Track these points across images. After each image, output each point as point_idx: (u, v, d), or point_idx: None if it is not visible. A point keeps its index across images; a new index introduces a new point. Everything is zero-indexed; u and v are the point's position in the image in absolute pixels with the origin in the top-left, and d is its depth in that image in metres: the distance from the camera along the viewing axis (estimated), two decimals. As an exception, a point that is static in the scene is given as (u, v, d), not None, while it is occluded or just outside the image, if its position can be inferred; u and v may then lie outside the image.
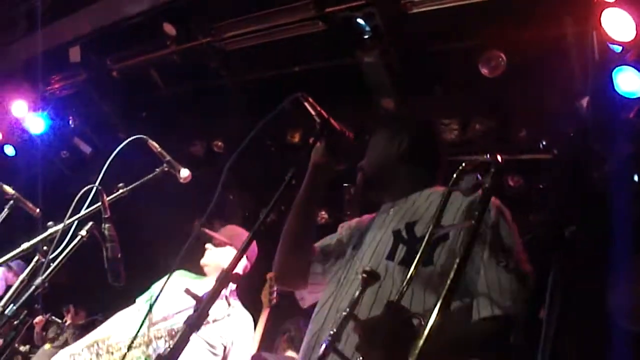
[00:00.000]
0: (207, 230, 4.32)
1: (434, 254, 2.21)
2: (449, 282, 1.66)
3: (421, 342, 1.52)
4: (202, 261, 4.34)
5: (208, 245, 4.36)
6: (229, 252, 4.28)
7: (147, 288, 4.21)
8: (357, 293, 1.96)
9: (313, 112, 2.49)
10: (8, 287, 6.08)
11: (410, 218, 2.40)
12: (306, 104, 2.49)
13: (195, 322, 1.78)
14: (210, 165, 7.92)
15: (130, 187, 3.62)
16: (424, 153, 2.60)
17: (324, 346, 1.89)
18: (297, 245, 2.66)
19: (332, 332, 1.90)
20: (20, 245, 3.18)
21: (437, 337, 1.72)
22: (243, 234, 4.40)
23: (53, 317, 8.12)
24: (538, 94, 5.43)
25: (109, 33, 6.57)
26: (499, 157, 1.98)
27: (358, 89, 5.82)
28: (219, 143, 7.83)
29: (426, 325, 1.56)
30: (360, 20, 5.52)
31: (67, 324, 8.36)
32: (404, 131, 2.64)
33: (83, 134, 8.45)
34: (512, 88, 5.51)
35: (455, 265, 1.70)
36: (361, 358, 1.79)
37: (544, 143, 5.89)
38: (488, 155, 1.97)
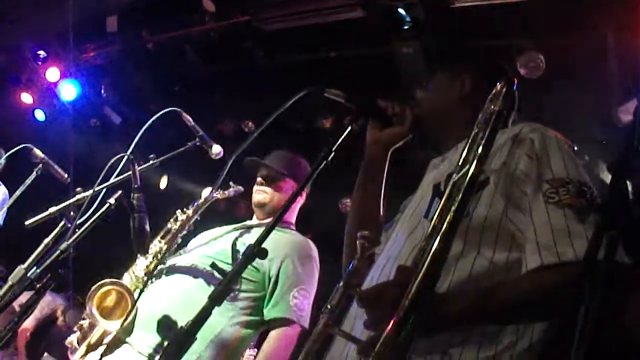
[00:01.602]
0: (258, 160, 3.99)
1: (470, 204, 1.74)
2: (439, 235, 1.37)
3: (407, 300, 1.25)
4: (258, 199, 3.90)
5: (261, 183, 3.94)
6: (291, 187, 3.90)
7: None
8: (355, 262, 1.84)
9: (341, 100, 2.44)
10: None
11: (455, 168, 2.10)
12: (328, 95, 2.43)
13: (218, 296, 1.74)
14: (238, 145, 7.92)
15: (161, 158, 3.60)
16: (484, 96, 2.01)
17: (322, 322, 1.74)
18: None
19: (329, 306, 1.76)
20: (48, 209, 3.19)
21: (479, 301, 1.63)
22: (302, 164, 4.04)
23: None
24: (574, 98, 5.36)
25: (147, 5, 6.56)
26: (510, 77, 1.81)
27: (392, 78, 5.77)
28: (249, 123, 7.82)
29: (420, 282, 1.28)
30: (401, 10, 5.46)
31: None
32: (466, 72, 2.38)
33: (114, 104, 8.48)
34: (549, 91, 5.43)
35: (451, 214, 1.42)
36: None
37: (575, 148, 5.83)
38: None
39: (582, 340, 1.04)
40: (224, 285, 1.73)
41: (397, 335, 1.18)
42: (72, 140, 8.53)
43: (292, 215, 3.94)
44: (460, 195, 1.46)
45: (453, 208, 1.43)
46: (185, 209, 3.85)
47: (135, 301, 3.12)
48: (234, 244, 3.57)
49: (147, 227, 2.88)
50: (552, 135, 1.94)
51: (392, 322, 1.21)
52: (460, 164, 1.64)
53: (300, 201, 3.96)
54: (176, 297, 3.30)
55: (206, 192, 3.94)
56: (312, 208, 4.20)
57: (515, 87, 1.81)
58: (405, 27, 5.55)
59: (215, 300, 1.71)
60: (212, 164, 3.73)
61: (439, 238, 1.36)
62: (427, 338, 1.62)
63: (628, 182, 1.23)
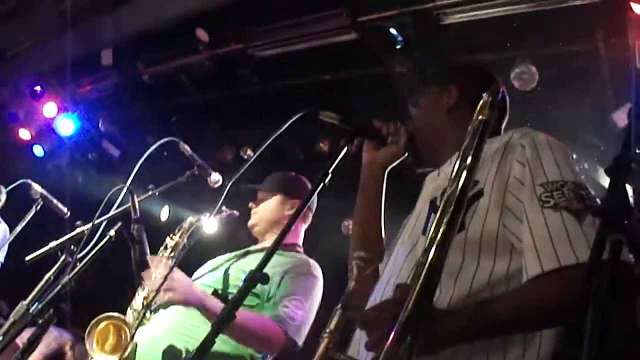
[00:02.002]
0: (249, 185, 4.03)
1: (466, 217, 1.82)
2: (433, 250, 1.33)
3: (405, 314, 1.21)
4: (250, 223, 3.95)
5: (252, 207, 4.00)
6: (279, 201, 3.92)
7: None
8: (352, 284, 1.82)
9: (336, 122, 2.44)
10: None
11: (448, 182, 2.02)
12: (323, 117, 2.44)
13: (221, 323, 1.73)
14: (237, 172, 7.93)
15: (161, 188, 3.60)
16: (474, 105, 1.89)
17: (322, 345, 1.70)
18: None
19: (328, 330, 1.72)
20: (48, 244, 3.18)
21: (480, 314, 1.60)
22: (291, 177, 4.09)
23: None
24: (569, 107, 5.37)
25: (141, 37, 6.58)
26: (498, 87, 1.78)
27: (388, 98, 5.79)
28: (248, 150, 7.83)
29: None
30: (392, 30, 5.49)
31: None
32: (452, 84, 2.35)
33: (112, 137, 8.49)
34: (544, 101, 5.44)
35: (443, 226, 1.38)
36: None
37: (574, 156, 5.84)
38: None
39: (591, 345, 1.03)
40: (226, 313, 1.73)
41: (395, 350, 1.16)
42: (71, 174, 8.56)
43: (297, 237, 3.91)
44: (452, 208, 1.42)
45: (445, 220, 1.39)
46: (172, 235, 3.83)
47: (134, 334, 3.13)
48: (226, 270, 3.57)
49: (148, 257, 2.88)
50: (542, 138, 1.92)
51: (390, 338, 1.19)
52: (452, 177, 1.57)
53: (304, 223, 3.94)
54: (176, 326, 3.28)
55: (191, 217, 3.93)
56: (314, 231, 4.18)
57: (501, 96, 1.78)
58: (398, 47, 5.57)
59: (218, 327, 1.71)
60: (213, 193, 3.72)
61: (433, 250, 1.33)
62: (431, 354, 1.58)
63: (627, 185, 1.22)
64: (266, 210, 3.88)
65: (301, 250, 3.87)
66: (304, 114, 2.33)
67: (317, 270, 3.64)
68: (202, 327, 3.11)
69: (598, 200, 1.74)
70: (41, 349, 7.61)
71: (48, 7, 6.79)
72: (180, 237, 3.80)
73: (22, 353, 2.44)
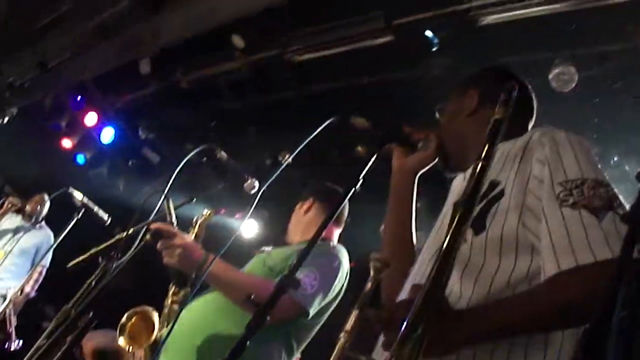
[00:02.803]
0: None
1: (487, 218, 1.81)
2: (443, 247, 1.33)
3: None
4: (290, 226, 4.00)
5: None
6: (309, 205, 3.97)
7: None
8: (369, 285, 1.79)
9: (366, 127, 2.46)
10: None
11: None
12: (354, 123, 2.46)
13: (254, 327, 1.73)
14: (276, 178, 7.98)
15: (197, 196, 3.64)
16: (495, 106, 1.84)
17: (339, 345, 1.70)
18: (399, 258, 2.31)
19: (345, 330, 1.71)
20: (89, 251, 3.24)
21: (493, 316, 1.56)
22: (323, 184, 4.14)
23: None
24: (610, 108, 5.30)
25: (179, 45, 6.65)
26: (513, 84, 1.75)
27: (425, 101, 5.77)
28: (286, 155, 7.86)
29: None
30: (428, 32, 5.47)
31: None
32: (473, 87, 2.35)
33: (151, 144, 8.59)
34: (582, 102, 5.38)
35: (454, 225, 1.38)
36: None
37: (615, 159, 5.77)
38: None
39: (618, 346, 1.01)
40: (259, 316, 1.73)
41: (402, 350, 1.16)
42: (112, 181, 8.70)
43: (329, 234, 3.85)
44: (463, 206, 1.42)
45: (456, 217, 1.39)
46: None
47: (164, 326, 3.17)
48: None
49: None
50: (562, 135, 1.87)
51: (398, 337, 1.19)
52: (468, 177, 1.55)
53: (338, 228, 3.92)
54: (200, 319, 3.29)
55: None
56: (352, 237, 4.18)
57: (519, 93, 1.77)
58: (434, 49, 5.55)
59: (251, 330, 1.71)
60: (250, 199, 3.75)
61: (443, 248, 1.34)
62: (450, 355, 1.56)
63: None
64: (295, 216, 3.91)
65: (331, 243, 3.78)
66: (334, 119, 2.34)
67: (340, 252, 3.57)
68: (221, 322, 3.14)
69: (620, 197, 1.69)
70: (103, 340, 7.83)
71: (87, 18, 6.90)
72: (199, 229, 3.82)
73: (63, 353, 2.48)
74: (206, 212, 3.86)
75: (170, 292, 3.60)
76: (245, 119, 7.63)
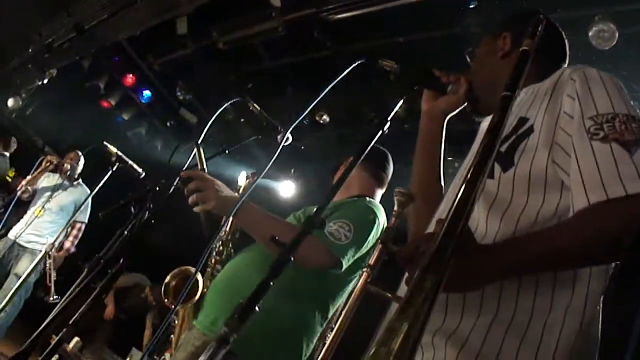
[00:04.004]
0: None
1: (515, 153, 1.78)
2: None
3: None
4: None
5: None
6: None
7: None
8: (392, 219, 1.78)
9: (395, 69, 2.41)
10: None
11: None
12: (381, 65, 2.41)
13: (277, 266, 1.72)
14: (314, 137, 8.00)
15: (231, 148, 3.64)
16: (539, 50, 1.82)
17: (362, 278, 1.68)
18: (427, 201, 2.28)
19: (368, 264, 1.68)
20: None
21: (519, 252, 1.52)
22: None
23: None
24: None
25: (215, 5, 6.63)
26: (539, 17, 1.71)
27: (463, 59, 5.70)
28: (323, 115, 7.86)
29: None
30: (465, -11, 5.41)
31: None
32: (506, 30, 2.28)
33: (189, 105, 8.63)
34: (623, 60, 5.26)
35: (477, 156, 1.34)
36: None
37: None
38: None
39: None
40: (282, 255, 1.73)
41: (422, 282, 1.13)
42: (150, 142, 8.77)
43: (369, 193, 3.75)
44: (488, 139, 1.38)
45: (480, 149, 1.35)
46: None
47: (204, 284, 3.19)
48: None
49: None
50: (594, 71, 1.81)
51: (420, 269, 1.14)
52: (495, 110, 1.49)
53: (379, 188, 3.82)
54: (235, 273, 3.30)
55: (242, 176, 3.95)
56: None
57: (546, 27, 1.75)
58: (472, 7, 5.48)
59: (274, 270, 1.70)
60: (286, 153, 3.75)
61: (467, 176, 1.29)
62: (476, 289, 1.56)
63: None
64: (340, 174, 3.87)
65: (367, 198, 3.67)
66: (362, 61, 2.31)
67: (376, 206, 3.46)
68: (254, 275, 3.12)
69: None
70: (121, 280, 8.05)
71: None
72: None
73: (94, 298, 2.51)
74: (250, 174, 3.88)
75: (214, 252, 3.63)
76: (281, 79, 7.62)
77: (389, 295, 1.63)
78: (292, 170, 8.78)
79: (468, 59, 2.47)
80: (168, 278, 3.43)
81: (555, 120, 1.75)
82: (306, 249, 3.02)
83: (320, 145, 8.25)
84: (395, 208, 1.75)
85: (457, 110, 2.43)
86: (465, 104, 2.40)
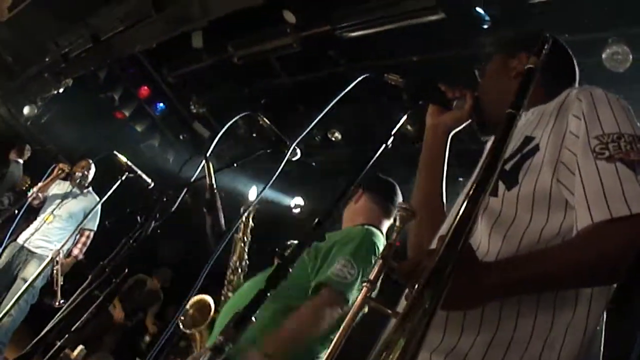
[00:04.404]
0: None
1: (520, 172, 1.78)
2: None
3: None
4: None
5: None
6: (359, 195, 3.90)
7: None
8: (394, 235, 1.75)
9: (400, 84, 2.41)
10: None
11: None
12: (387, 79, 2.41)
13: (274, 279, 1.73)
14: (326, 155, 8.02)
15: (239, 162, 3.65)
16: (547, 70, 1.90)
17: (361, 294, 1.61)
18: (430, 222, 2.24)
19: (367, 279, 1.63)
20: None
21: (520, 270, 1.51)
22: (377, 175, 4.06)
23: None
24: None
25: (231, 19, 6.66)
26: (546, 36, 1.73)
27: (475, 79, 5.70)
28: (335, 133, 7.89)
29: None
30: (479, 9, 5.41)
31: None
32: (522, 51, 2.22)
33: (202, 119, 8.67)
34: (637, 82, 5.25)
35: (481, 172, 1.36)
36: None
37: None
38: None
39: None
40: (280, 268, 1.73)
41: (421, 297, 1.13)
42: (162, 154, 8.81)
43: (375, 222, 3.74)
44: (491, 156, 1.40)
45: (484, 166, 1.37)
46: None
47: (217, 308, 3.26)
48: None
49: (222, 223, 2.93)
50: (600, 92, 1.81)
51: (418, 285, 1.16)
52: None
53: (386, 219, 3.82)
54: (241, 298, 3.32)
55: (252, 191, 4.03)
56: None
57: (553, 46, 1.78)
58: (485, 27, 5.49)
59: (270, 283, 1.71)
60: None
61: (470, 192, 1.31)
62: (476, 307, 1.56)
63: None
64: (349, 206, 3.87)
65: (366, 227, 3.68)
66: (368, 75, 2.32)
67: (375, 235, 3.48)
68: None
69: None
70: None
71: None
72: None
73: (99, 304, 2.53)
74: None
75: (226, 281, 3.71)
76: (295, 96, 7.64)
77: (389, 311, 1.63)
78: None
79: (477, 75, 2.46)
80: (187, 307, 3.54)
81: (561, 140, 1.75)
82: (318, 313, 3.09)
83: (331, 162, 8.26)
84: (397, 224, 1.75)
85: (461, 126, 2.42)
86: (470, 120, 2.39)
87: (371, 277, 1.66)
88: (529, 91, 1.61)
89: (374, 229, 3.52)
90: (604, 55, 5.23)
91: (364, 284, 1.60)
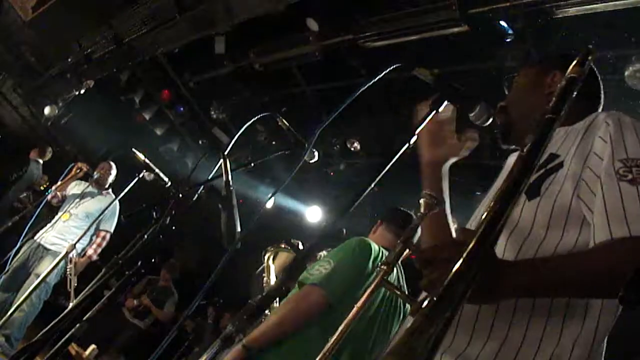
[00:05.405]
0: None
1: (542, 185, 1.83)
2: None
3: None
4: None
5: None
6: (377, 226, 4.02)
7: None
8: (416, 220, 1.74)
9: (429, 81, 2.40)
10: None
11: None
12: (416, 73, 2.40)
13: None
14: (345, 163, 8.02)
15: (258, 162, 3.64)
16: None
17: (378, 275, 1.62)
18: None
19: (385, 262, 1.65)
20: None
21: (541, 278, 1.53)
22: (394, 208, 4.14)
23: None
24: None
25: (253, 25, 6.68)
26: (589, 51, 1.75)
27: (499, 92, 5.69)
28: (355, 143, 7.88)
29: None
30: (503, 23, 5.40)
31: None
32: (556, 68, 2.27)
33: (222, 124, 8.69)
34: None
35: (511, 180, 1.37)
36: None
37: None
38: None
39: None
40: (296, 260, 1.74)
41: (446, 294, 1.11)
42: (181, 159, 8.83)
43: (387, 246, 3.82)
44: (527, 158, 1.41)
45: (516, 169, 1.39)
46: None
47: None
48: None
49: (237, 221, 2.91)
50: (628, 118, 1.85)
51: (446, 280, 1.14)
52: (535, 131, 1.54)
53: (394, 242, 3.83)
54: None
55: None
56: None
57: (591, 65, 1.77)
58: (508, 40, 5.47)
59: (289, 272, 1.71)
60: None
61: (497, 199, 1.31)
62: (493, 303, 1.58)
63: None
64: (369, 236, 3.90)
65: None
66: (397, 66, 2.30)
67: (361, 240, 3.48)
68: None
69: None
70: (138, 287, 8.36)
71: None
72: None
73: (108, 298, 2.52)
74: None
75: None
76: (316, 104, 7.64)
77: (406, 296, 1.62)
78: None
79: (505, 87, 2.45)
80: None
81: (585, 159, 1.79)
82: (302, 307, 3.14)
83: (350, 171, 8.26)
84: (422, 210, 1.73)
85: (456, 159, 2.41)
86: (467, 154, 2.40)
87: (389, 259, 1.64)
88: (569, 99, 1.63)
89: (364, 238, 3.55)
90: (626, 73, 5.20)
91: (382, 266, 1.59)
